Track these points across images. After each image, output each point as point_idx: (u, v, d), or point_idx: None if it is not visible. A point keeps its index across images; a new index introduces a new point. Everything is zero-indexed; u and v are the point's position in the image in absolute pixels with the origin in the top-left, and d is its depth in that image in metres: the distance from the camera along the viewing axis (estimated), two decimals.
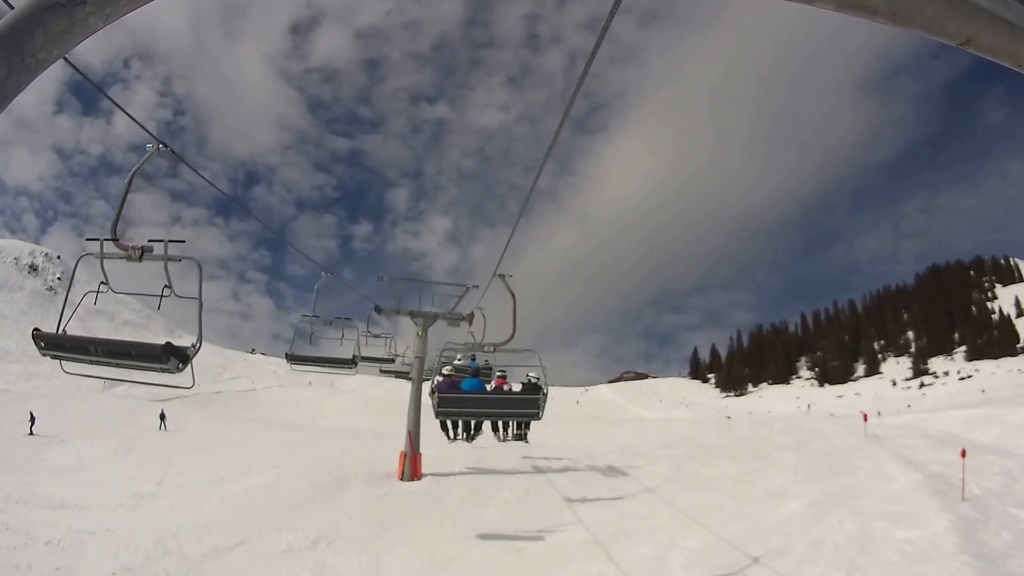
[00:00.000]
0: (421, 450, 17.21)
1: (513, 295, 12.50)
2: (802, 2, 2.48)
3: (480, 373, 13.22)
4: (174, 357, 6.74)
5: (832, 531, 12.14)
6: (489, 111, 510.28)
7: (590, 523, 12.10)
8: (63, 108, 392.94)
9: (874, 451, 23.60)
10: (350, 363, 16.17)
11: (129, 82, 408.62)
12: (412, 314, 17.75)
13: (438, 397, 10.25)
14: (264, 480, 14.95)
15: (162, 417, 25.86)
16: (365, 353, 19.34)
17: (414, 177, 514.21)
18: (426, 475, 16.37)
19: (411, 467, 16.13)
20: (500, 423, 13.25)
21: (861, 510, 13.84)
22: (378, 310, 17.94)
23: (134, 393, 73.08)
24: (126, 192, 7.38)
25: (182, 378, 6.95)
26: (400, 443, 17.37)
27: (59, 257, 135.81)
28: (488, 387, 12.32)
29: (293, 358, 15.50)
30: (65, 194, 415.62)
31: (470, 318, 17.48)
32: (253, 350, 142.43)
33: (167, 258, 7.08)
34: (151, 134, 6.73)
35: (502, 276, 12.42)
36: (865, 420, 32.50)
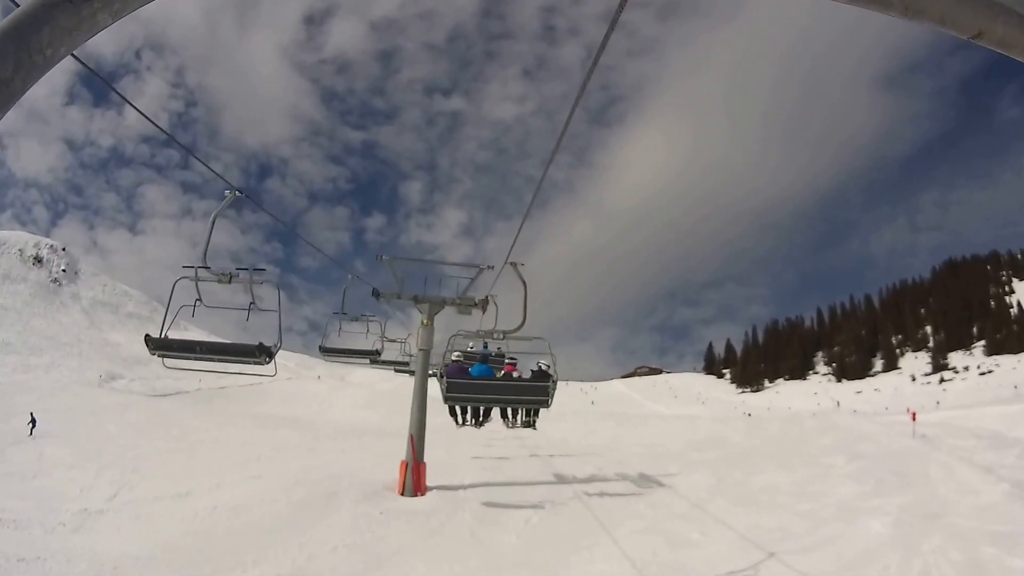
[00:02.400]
0: (427, 454, 14.74)
1: (524, 283, 12.13)
2: None
3: (489, 360, 13.07)
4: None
5: (936, 561, 9.72)
6: (505, 103, 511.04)
7: (635, 554, 9.65)
8: (74, 99, 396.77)
9: (936, 455, 21.20)
10: (258, 354, 9.01)
11: (140, 73, 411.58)
12: (416, 299, 15.20)
13: (447, 382, 10.11)
14: (237, 495, 12.47)
15: (32, 422, 22.60)
16: (336, 345, 17.20)
17: (428, 169, 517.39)
18: (431, 488, 13.80)
19: (413, 479, 13.48)
20: (509, 410, 13.39)
21: (958, 531, 11.44)
22: (376, 295, 15.47)
23: (132, 387, 71.58)
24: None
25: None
26: (405, 443, 14.94)
27: (64, 249, 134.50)
28: (497, 374, 12.61)
29: (157, 344, 8.90)
30: (75, 186, 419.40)
31: (483, 304, 15.11)
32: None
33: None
34: (162, 129, 6.44)
35: (514, 264, 12.00)
36: (914, 419, 30.22)
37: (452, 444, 25.17)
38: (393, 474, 14.15)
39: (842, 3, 2.42)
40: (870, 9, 2.42)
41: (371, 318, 15.95)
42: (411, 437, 14.13)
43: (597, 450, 24.84)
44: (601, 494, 13.97)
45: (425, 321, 14.93)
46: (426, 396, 14.78)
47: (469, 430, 16.34)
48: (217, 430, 27.04)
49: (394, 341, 19.18)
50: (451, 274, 15.57)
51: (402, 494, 13.27)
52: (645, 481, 15.98)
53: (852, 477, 16.61)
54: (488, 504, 12.59)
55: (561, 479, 15.98)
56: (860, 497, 14.18)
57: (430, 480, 14.01)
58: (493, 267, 14.50)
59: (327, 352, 16.45)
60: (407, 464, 13.71)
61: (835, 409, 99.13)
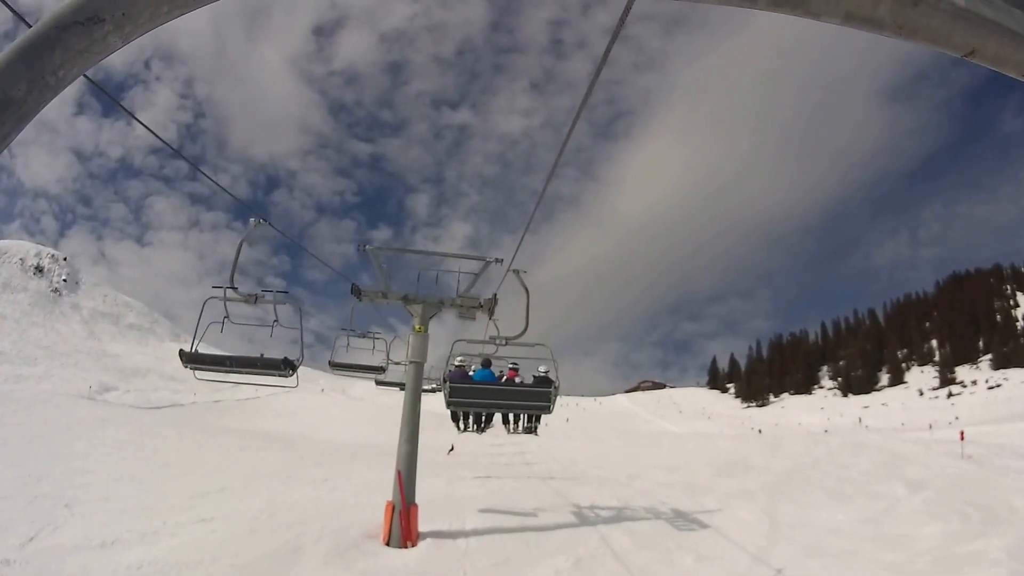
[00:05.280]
0: (422, 484, 11.97)
1: (527, 290, 11.62)
2: (809, 16, 2.40)
3: (492, 365, 12.73)
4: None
5: None
6: (512, 117, 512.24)
7: None
8: (83, 110, 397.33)
9: (1004, 480, 18.69)
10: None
11: (149, 83, 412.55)
12: (407, 299, 12.40)
13: (449, 387, 10.32)
14: (172, 547, 9.67)
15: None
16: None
17: (435, 183, 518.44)
18: (424, 535, 10.93)
19: (402, 526, 10.50)
20: (511, 416, 13.49)
21: None
22: (357, 293, 12.71)
23: (125, 400, 68.48)
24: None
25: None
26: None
27: (65, 259, 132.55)
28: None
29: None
30: (84, 197, 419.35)
31: (490, 305, 12.51)
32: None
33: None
34: (166, 143, 6.10)
35: (516, 271, 11.48)
36: (962, 438, 27.76)
37: (451, 469, 22.55)
38: (380, 513, 11.45)
39: (835, 24, 2.41)
40: (863, 29, 2.43)
41: (281, 297, 9.74)
42: (398, 474, 11.28)
43: (614, 475, 22.22)
44: (634, 541, 11.27)
45: (418, 326, 12.23)
46: (418, 421, 11.99)
47: (471, 449, 14.17)
48: (195, 449, 24.45)
49: (366, 336, 16.60)
50: (450, 268, 12.84)
51: (387, 543, 10.48)
52: (682, 521, 13.33)
53: (927, 512, 14.00)
54: (497, 557, 9.86)
55: (582, 519, 13.27)
56: (951, 539, 11.58)
57: (424, 523, 11.24)
58: (502, 260, 12.02)
59: (193, 363, 9.37)
60: (393, 506, 10.91)
61: (855, 426, 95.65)
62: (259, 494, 14.55)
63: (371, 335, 16.67)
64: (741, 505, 15.16)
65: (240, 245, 9.77)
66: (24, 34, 2.21)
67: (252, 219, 9.73)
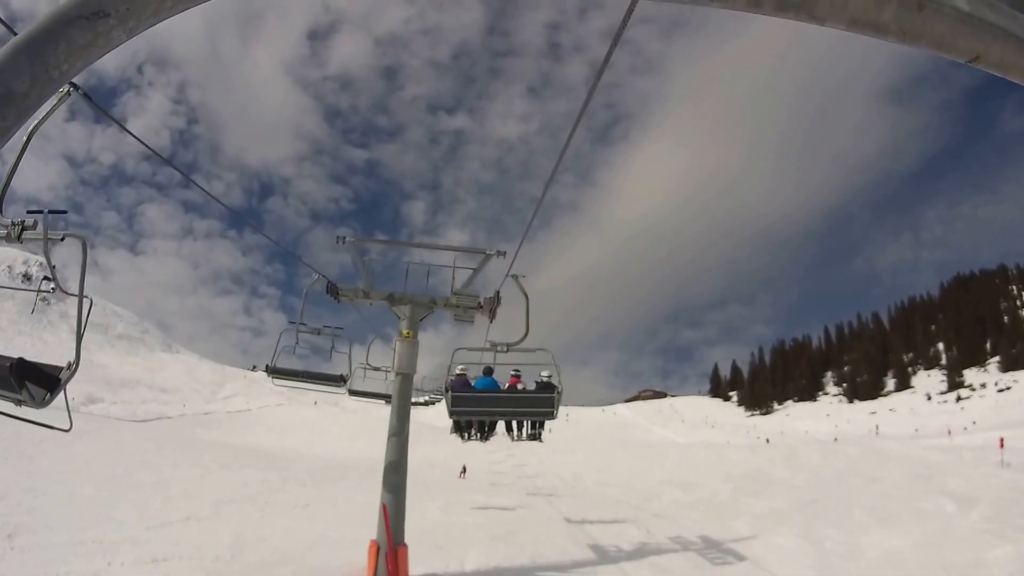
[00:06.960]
0: (416, 508, 10.40)
1: (526, 295, 10.43)
2: (814, 22, 2.37)
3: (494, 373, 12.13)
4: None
5: None
6: (509, 122, 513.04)
7: None
8: (75, 115, 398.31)
9: None
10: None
11: (142, 89, 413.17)
12: (392, 299, 10.76)
13: (451, 396, 9.64)
14: None
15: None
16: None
17: (431, 189, 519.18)
18: None
19: (388, 570, 8.77)
20: (514, 423, 13.06)
21: None
22: (333, 292, 10.98)
23: (111, 411, 66.42)
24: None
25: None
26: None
27: (54, 267, 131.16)
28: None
29: None
30: (76, 204, 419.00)
31: (491, 306, 10.89)
32: (254, 367, 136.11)
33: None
34: (152, 150, 5.47)
35: (515, 276, 10.30)
36: (1002, 446, 26.27)
37: (447, 491, 20.83)
38: (364, 549, 9.73)
39: (840, 29, 2.36)
40: (868, 35, 2.37)
41: (55, 230, 4.74)
42: (384, 508, 9.48)
43: (625, 495, 20.54)
44: None
45: (406, 331, 10.52)
46: (407, 441, 10.30)
47: (469, 465, 12.55)
48: (170, 468, 22.67)
49: (322, 333, 12.39)
50: (442, 262, 11.18)
51: None
52: (714, 552, 11.63)
53: (990, 532, 12.35)
54: None
55: (600, 552, 11.54)
56: None
57: (415, 564, 9.49)
58: (505, 253, 10.40)
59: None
60: (378, 547, 9.13)
61: (868, 434, 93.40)
62: (228, 524, 12.79)
63: (330, 330, 12.62)
64: (776, 529, 13.48)
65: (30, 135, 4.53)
66: (28, 28, 2.19)
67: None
